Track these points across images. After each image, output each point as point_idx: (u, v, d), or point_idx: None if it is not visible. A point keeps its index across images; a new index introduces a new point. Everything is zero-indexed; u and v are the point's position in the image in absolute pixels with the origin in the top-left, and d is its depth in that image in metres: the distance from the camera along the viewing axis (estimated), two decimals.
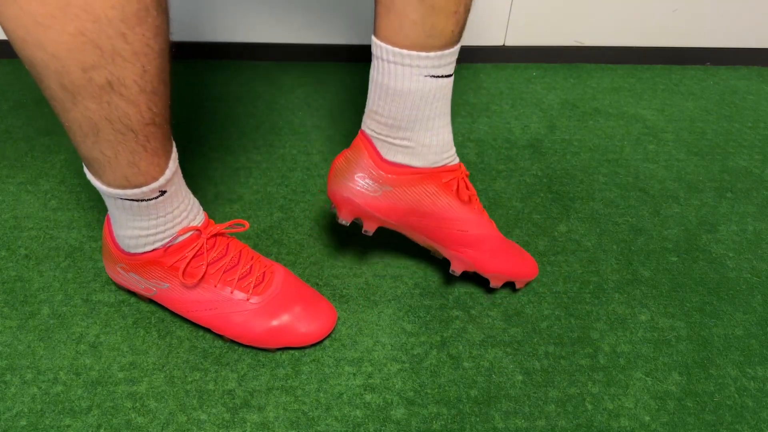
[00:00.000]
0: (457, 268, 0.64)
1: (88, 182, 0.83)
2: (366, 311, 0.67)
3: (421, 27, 0.54)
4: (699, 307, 0.69)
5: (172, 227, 0.59)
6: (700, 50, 1.15)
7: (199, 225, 0.60)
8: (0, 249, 0.73)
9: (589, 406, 0.59)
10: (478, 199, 0.65)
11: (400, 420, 0.57)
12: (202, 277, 0.60)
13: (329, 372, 0.61)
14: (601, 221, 0.80)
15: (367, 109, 0.60)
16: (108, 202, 0.58)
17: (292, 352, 0.62)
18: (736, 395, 0.60)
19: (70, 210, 0.79)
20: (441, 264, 0.73)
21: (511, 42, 1.13)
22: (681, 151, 0.94)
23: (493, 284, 0.67)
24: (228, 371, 0.61)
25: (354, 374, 0.61)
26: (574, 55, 1.15)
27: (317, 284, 0.70)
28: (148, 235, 0.58)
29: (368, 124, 0.60)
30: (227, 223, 0.62)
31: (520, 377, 0.61)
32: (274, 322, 0.61)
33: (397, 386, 0.60)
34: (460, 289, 0.70)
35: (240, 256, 0.63)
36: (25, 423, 0.56)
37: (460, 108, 1.02)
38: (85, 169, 0.55)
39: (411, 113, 0.58)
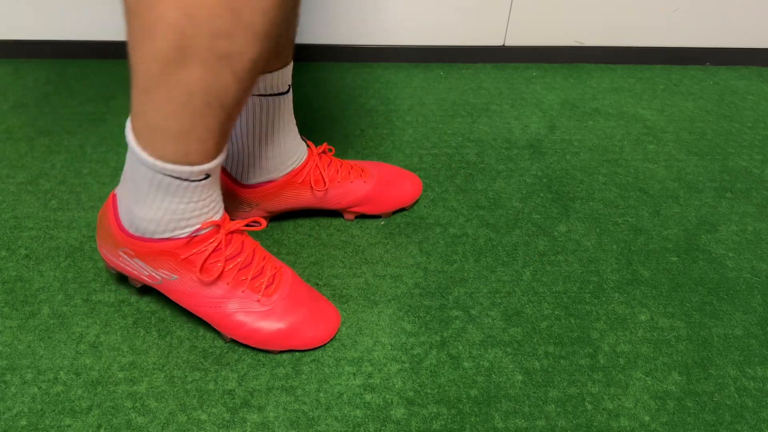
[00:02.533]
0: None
1: (88, 182, 0.83)
2: (366, 311, 0.67)
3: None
4: (699, 307, 0.69)
5: (199, 215, 0.56)
6: (700, 50, 1.15)
7: (219, 220, 0.59)
8: (0, 249, 0.73)
9: (589, 406, 0.59)
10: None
11: (400, 420, 0.57)
12: (219, 274, 0.59)
13: (329, 372, 0.61)
14: (601, 221, 0.80)
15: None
16: (141, 177, 0.53)
17: (292, 352, 0.63)
18: (736, 395, 0.60)
19: (70, 210, 0.79)
20: (441, 264, 0.73)
21: (511, 42, 1.13)
22: (681, 151, 0.94)
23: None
24: (228, 371, 0.61)
25: (354, 374, 0.61)
26: (574, 55, 1.15)
27: (317, 284, 0.70)
28: (173, 221, 0.55)
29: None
30: (245, 221, 0.61)
31: (520, 377, 0.61)
32: (282, 325, 0.61)
33: (397, 386, 0.60)
34: (460, 289, 0.70)
35: (253, 255, 0.61)
36: (25, 423, 0.56)
37: (460, 108, 1.02)
38: (132, 140, 0.51)
39: (252, 130, 0.63)
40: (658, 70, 1.15)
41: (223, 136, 0.52)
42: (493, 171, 0.88)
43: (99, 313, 0.66)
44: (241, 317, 0.60)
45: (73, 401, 0.58)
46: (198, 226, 0.57)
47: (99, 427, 0.56)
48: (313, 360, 0.62)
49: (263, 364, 0.61)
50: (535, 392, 0.60)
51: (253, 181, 0.70)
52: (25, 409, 0.57)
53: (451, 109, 1.01)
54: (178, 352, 0.62)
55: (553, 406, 0.59)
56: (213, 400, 0.58)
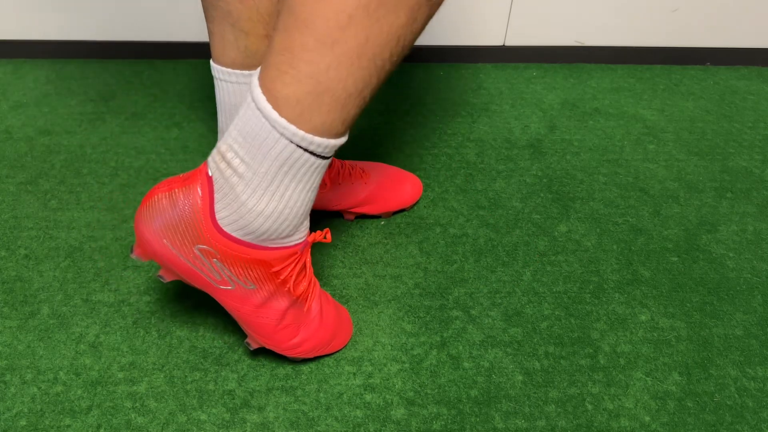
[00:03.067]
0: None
1: (88, 182, 0.83)
2: (366, 311, 0.67)
3: (237, 48, 0.62)
4: (699, 307, 0.69)
5: (306, 218, 0.52)
6: (700, 50, 1.15)
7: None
8: (0, 249, 0.73)
9: (589, 407, 0.59)
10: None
11: (400, 420, 0.57)
12: (307, 293, 0.56)
13: (329, 372, 0.61)
14: (601, 221, 0.80)
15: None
16: (272, 159, 0.46)
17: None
18: (736, 395, 0.60)
19: (69, 210, 0.78)
20: (441, 264, 0.73)
21: (511, 42, 1.13)
22: (681, 151, 0.94)
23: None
24: (228, 371, 0.61)
25: (354, 374, 0.61)
26: (574, 55, 1.15)
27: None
28: (293, 218, 0.50)
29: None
30: (321, 233, 0.56)
31: (520, 377, 0.61)
32: (321, 337, 0.60)
33: (397, 386, 0.60)
34: (460, 290, 0.70)
35: (309, 272, 0.58)
36: (25, 423, 0.56)
37: (460, 108, 1.02)
38: (273, 112, 0.44)
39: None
40: (658, 70, 1.15)
41: (371, 100, 0.47)
42: (493, 171, 0.88)
43: (99, 313, 0.66)
44: (290, 333, 0.57)
45: (73, 401, 0.58)
46: (304, 234, 0.53)
47: (99, 427, 0.56)
48: (313, 360, 0.62)
49: (263, 365, 0.61)
50: (535, 392, 0.60)
51: None
52: (25, 409, 0.57)
53: (451, 109, 1.01)
54: (178, 352, 0.62)
55: (553, 406, 0.59)
56: (213, 400, 0.58)
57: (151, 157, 0.88)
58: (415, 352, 0.63)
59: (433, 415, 0.58)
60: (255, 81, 0.45)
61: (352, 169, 0.75)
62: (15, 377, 0.60)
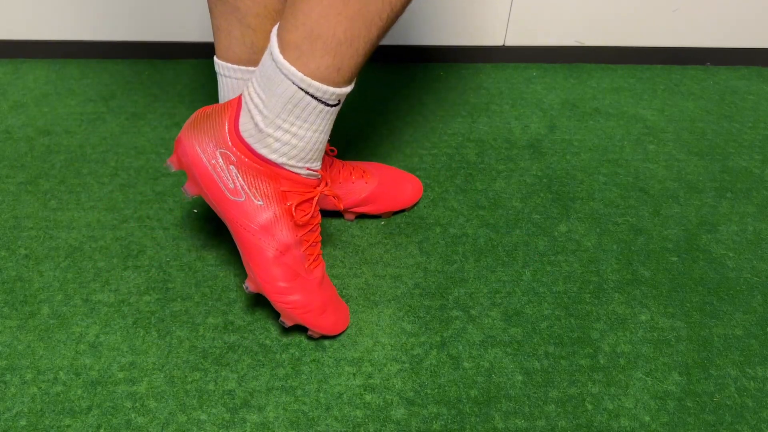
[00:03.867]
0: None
1: (88, 182, 0.83)
2: (366, 311, 0.67)
3: (243, 44, 0.62)
4: (699, 307, 0.69)
5: (317, 155, 0.57)
6: (700, 50, 1.15)
7: (325, 174, 0.59)
8: (0, 249, 0.73)
9: (589, 407, 0.59)
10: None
11: (400, 420, 0.57)
12: (299, 223, 0.59)
13: (329, 372, 0.61)
14: (601, 221, 0.80)
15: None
16: (278, 95, 0.53)
17: (292, 351, 0.62)
18: (736, 395, 0.60)
19: (69, 210, 0.78)
20: (441, 264, 0.73)
21: (511, 42, 1.13)
22: (681, 151, 0.94)
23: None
24: (228, 371, 0.61)
25: (354, 374, 0.61)
26: (574, 55, 1.15)
27: None
28: (299, 149, 0.55)
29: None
30: (335, 193, 0.62)
31: (520, 377, 0.61)
32: (312, 301, 0.60)
33: (397, 386, 0.60)
34: (460, 290, 0.70)
35: (318, 228, 0.62)
36: (25, 423, 0.56)
37: (460, 108, 1.02)
38: (278, 53, 0.51)
39: None
40: (659, 70, 1.15)
41: (367, 56, 0.53)
42: (493, 171, 0.88)
43: (99, 313, 0.66)
44: (285, 274, 0.59)
45: (73, 401, 0.58)
46: (316, 168, 0.58)
47: (99, 427, 0.56)
48: (313, 360, 0.62)
49: (263, 365, 0.61)
50: (535, 392, 0.60)
51: None
52: (25, 409, 0.57)
53: (451, 109, 1.01)
54: (178, 352, 0.62)
55: (553, 406, 0.59)
56: (213, 400, 0.58)
57: (151, 157, 0.88)
58: (415, 352, 0.63)
59: (433, 415, 0.58)
60: (274, 30, 0.53)
61: (353, 169, 0.75)
62: (15, 377, 0.60)
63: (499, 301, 0.69)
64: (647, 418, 0.58)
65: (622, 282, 0.72)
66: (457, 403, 0.59)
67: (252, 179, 0.57)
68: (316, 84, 0.51)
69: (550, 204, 0.83)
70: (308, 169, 0.58)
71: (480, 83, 1.09)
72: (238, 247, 0.61)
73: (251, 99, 0.55)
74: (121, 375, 0.60)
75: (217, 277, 0.70)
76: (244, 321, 0.65)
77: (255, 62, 0.63)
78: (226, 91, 0.66)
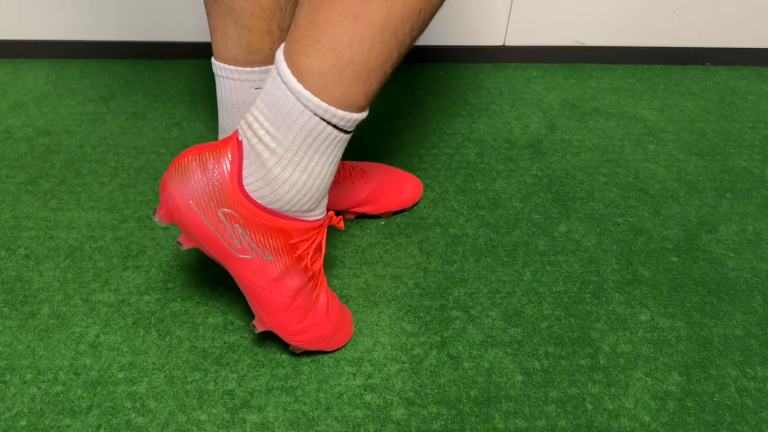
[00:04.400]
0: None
1: (88, 182, 0.83)
2: (366, 311, 0.67)
3: (239, 44, 0.61)
4: (699, 307, 0.69)
5: (327, 192, 0.53)
6: (700, 50, 1.15)
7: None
8: (0, 249, 0.73)
9: (589, 407, 0.59)
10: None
11: (400, 420, 0.57)
12: (319, 278, 0.57)
13: (329, 372, 0.61)
14: (601, 221, 0.80)
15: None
16: (296, 130, 0.47)
17: (292, 351, 0.62)
18: (736, 395, 0.60)
19: (69, 210, 0.78)
20: (441, 264, 0.73)
21: (511, 42, 1.13)
22: (681, 151, 0.94)
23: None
24: (228, 371, 0.61)
25: (354, 374, 0.61)
26: (574, 55, 1.15)
27: None
28: (315, 190, 0.51)
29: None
30: (337, 218, 0.58)
31: (520, 377, 0.61)
32: (325, 328, 0.60)
33: (397, 386, 0.60)
34: (460, 290, 0.70)
35: (320, 257, 0.59)
36: (24, 423, 0.56)
37: (460, 108, 1.02)
38: (297, 84, 0.46)
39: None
40: (658, 70, 1.15)
41: (391, 76, 0.49)
42: (493, 171, 0.88)
43: (98, 313, 0.66)
44: (298, 317, 0.57)
45: (73, 401, 0.58)
46: (323, 209, 0.54)
47: (98, 427, 0.56)
48: (313, 360, 0.62)
49: (263, 365, 0.61)
50: (535, 392, 0.60)
51: None
52: (25, 410, 0.57)
53: (451, 109, 1.01)
54: (178, 352, 0.62)
55: (553, 406, 0.59)
56: (213, 400, 0.58)
57: (151, 157, 0.88)
58: (415, 352, 0.63)
59: (433, 415, 0.58)
60: (280, 55, 0.47)
61: (353, 169, 0.75)
62: (15, 377, 0.60)
63: (499, 301, 0.69)
64: (647, 418, 0.58)
65: (622, 282, 0.72)
66: (457, 403, 0.59)
67: (260, 237, 0.53)
68: (341, 113, 0.47)
69: (550, 204, 0.83)
70: (318, 214, 0.54)
71: (480, 83, 1.09)
72: (243, 292, 0.58)
73: (257, 137, 0.49)
74: (121, 375, 0.60)
75: (217, 276, 0.70)
76: (244, 321, 0.65)
77: (252, 63, 0.63)
78: (224, 91, 0.66)
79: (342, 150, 0.51)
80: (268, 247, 0.53)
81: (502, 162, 0.90)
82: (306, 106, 0.46)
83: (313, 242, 0.55)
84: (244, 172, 0.50)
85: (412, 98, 1.04)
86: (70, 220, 0.77)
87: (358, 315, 0.67)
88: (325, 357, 0.62)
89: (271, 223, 0.52)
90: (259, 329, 0.58)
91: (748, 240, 0.78)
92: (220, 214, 0.52)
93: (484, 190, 0.85)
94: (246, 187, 0.51)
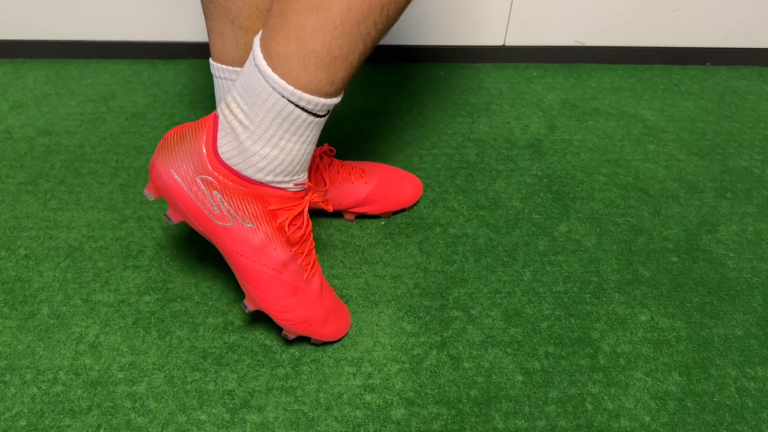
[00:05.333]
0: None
1: (88, 182, 0.83)
2: (366, 311, 0.67)
3: (237, 45, 0.61)
4: (699, 307, 0.69)
5: (303, 167, 0.55)
6: (700, 50, 1.15)
7: (311, 183, 0.56)
8: (0, 249, 0.73)
9: (589, 407, 0.59)
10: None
11: (400, 420, 0.57)
12: (293, 239, 0.57)
13: (329, 372, 0.61)
14: (602, 221, 0.80)
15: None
16: (266, 110, 0.50)
17: (292, 351, 0.62)
18: (736, 395, 0.60)
19: (69, 210, 0.78)
20: (441, 264, 0.73)
21: (511, 42, 1.13)
22: (681, 151, 0.94)
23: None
24: (228, 371, 0.61)
25: (354, 374, 0.61)
26: (574, 55, 1.15)
27: None
28: (287, 163, 0.54)
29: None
30: (321, 197, 0.60)
31: (520, 377, 0.61)
32: (315, 312, 0.60)
33: (397, 386, 0.60)
34: (460, 290, 0.70)
35: (310, 235, 0.60)
36: (24, 423, 0.56)
37: (460, 108, 1.02)
38: (267, 67, 0.49)
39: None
40: (659, 70, 1.15)
41: (359, 67, 0.52)
42: (493, 171, 0.88)
43: (98, 313, 0.66)
44: (285, 291, 0.58)
45: (73, 401, 0.58)
46: (303, 180, 0.56)
47: (98, 427, 0.56)
48: (313, 360, 0.62)
49: (263, 365, 0.61)
50: (535, 392, 0.60)
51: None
52: (25, 410, 0.57)
53: (451, 109, 1.01)
54: (178, 352, 0.62)
55: (553, 406, 0.59)
56: (213, 400, 0.58)
57: (151, 157, 0.88)
58: (415, 352, 0.63)
59: (433, 415, 0.58)
60: (256, 41, 0.50)
61: (352, 169, 0.75)
62: (15, 377, 0.60)
63: (499, 301, 0.69)
64: (647, 418, 0.58)
65: (622, 282, 0.72)
66: (457, 403, 0.59)
67: (238, 202, 0.55)
68: (308, 97, 0.50)
69: (550, 204, 0.83)
70: (296, 184, 0.56)
71: (480, 83, 1.09)
72: (232, 269, 0.59)
73: (233, 114, 0.52)
74: (121, 375, 0.60)
75: (217, 277, 0.70)
76: (244, 321, 0.65)
77: None
78: (222, 92, 0.66)
79: (316, 132, 0.54)
80: (247, 213, 0.55)
81: (502, 162, 0.90)
82: (274, 89, 0.49)
83: (293, 213, 0.57)
84: (219, 142, 0.53)
85: (412, 98, 1.04)
86: (70, 220, 0.77)
87: (358, 315, 0.67)
88: (325, 357, 0.62)
89: (247, 189, 0.54)
90: (250, 308, 0.59)
91: (748, 240, 0.78)
92: (198, 181, 0.54)
93: (484, 190, 0.85)
94: (221, 155, 0.53)
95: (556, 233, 0.78)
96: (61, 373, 0.60)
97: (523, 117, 1.00)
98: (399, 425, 0.57)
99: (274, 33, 0.48)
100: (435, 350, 0.63)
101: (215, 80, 0.66)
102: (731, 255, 0.76)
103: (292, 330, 0.60)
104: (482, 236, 0.77)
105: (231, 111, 0.52)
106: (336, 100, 0.52)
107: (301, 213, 0.58)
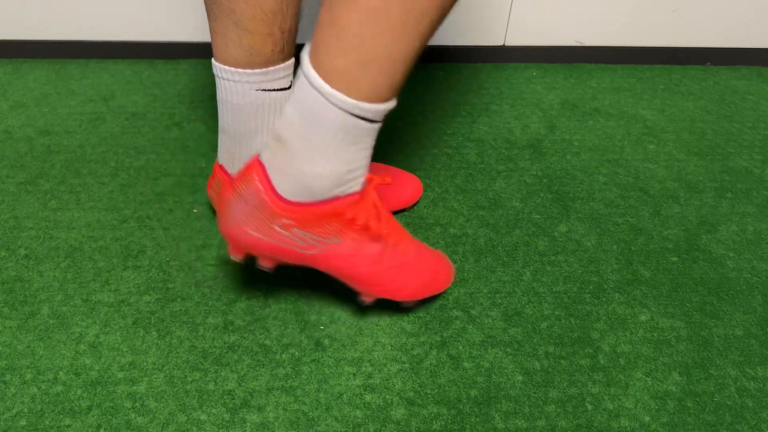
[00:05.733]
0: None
1: (88, 182, 0.83)
2: (366, 311, 0.67)
3: (240, 47, 0.60)
4: (699, 307, 0.69)
5: (364, 167, 0.54)
6: (700, 50, 1.15)
7: (368, 175, 0.56)
8: (0, 249, 0.73)
9: (589, 407, 0.59)
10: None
11: (400, 420, 0.57)
12: (396, 235, 0.59)
13: (329, 372, 0.61)
14: (602, 221, 0.80)
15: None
16: (326, 128, 0.49)
17: (292, 351, 0.62)
18: (736, 395, 0.60)
19: (69, 210, 0.78)
20: None
21: (511, 42, 1.13)
22: (681, 151, 0.94)
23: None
24: (228, 371, 0.61)
25: (354, 374, 0.61)
26: (574, 55, 1.15)
27: (317, 284, 0.70)
28: (348, 172, 0.53)
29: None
30: (380, 177, 0.59)
31: (520, 377, 0.61)
32: (425, 274, 0.62)
33: (397, 386, 0.60)
34: (460, 290, 0.70)
35: (387, 215, 0.61)
36: (24, 423, 0.56)
37: (460, 108, 1.02)
38: (325, 85, 0.47)
39: (253, 125, 0.61)
40: (659, 70, 1.15)
41: (410, 70, 0.51)
42: (493, 171, 0.88)
43: (98, 313, 0.66)
44: (391, 274, 0.60)
45: (73, 401, 0.58)
46: (363, 179, 0.55)
47: (98, 427, 0.56)
48: (313, 360, 0.62)
49: (263, 365, 0.61)
50: (535, 392, 0.60)
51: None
52: (25, 410, 0.57)
53: (451, 109, 1.01)
54: (178, 352, 0.62)
55: (553, 406, 0.59)
56: (213, 400, 0.58)
57: (151, 157, 0.88)
58: (415, 352, 0.63)
59: (433, 415, 0.58)
60: (305, 58, 0.49)
61: None
62: (15, 377, 0.60)
63: (499, 301, 0.69)
64: (647, 418, 0.58)
65: (622, 282, 0.72)
66: (457, 403, 0.59)
67: (318, 228, 0.55)
68: (368, 105, 0.48)
69: (550, 204, 0.83)
70: (357, 185, 0.55)
71: (480, 83, 1.09)
72: (334, 277, 0.61)
73: (285, 145, 0.51)
74: (121, 375, 0.60)
75: (217, 277, 0.70)
76: (244, 321, 0.65)
77: (252, 64, 0.63)
78: (224, 93, 0.66)
79: (373, 137, 0.52)
80: (330, 233, 0.56)
81: (502, 162, 0.90)
82: (335, 105, 0.48)
83: (367, 211, 0.56)
84: (276, 184, 0.53)
85: (412, 98, 1.04)
86: (70, 220, 0.77)
87: (358, 315, 0.67)
88: (325, 357, 0.62)
89: (321, 211, 0.54)
90: (369, 301, 0.62)
91: (748, 240, 0.78)
92: (275, 228, 0.55)
93: (484, 190, 0.85)
94: (285, 195, 0.53)
95: (556, 233, 0.78)
96: (61, 373, 0.60)
97: (523, 117, 1.00)
98: (399, 425, 0.57)
99: (328, 46, 0.46)
100: (435, 350, 0.63)
101: (217, 81, 0.66)
102: (731, 255, 0.76)
103: (414, 301, 0.63)
104: (482, 236, 0.77)
105: (282, 142, 0.51)
106: (393, 103, 0.51)
107: (374, 204, 0.57)
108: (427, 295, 0.63)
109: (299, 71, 0.49)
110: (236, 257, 0.58)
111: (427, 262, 0.63)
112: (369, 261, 0.58)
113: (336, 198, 0.54)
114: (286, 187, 0.53)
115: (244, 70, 0.63)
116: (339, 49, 0.46)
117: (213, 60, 0.65)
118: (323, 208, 0.54)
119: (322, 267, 0.59)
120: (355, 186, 0.55)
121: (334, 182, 0.53)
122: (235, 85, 0.64)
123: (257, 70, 0.62)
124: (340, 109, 0.48)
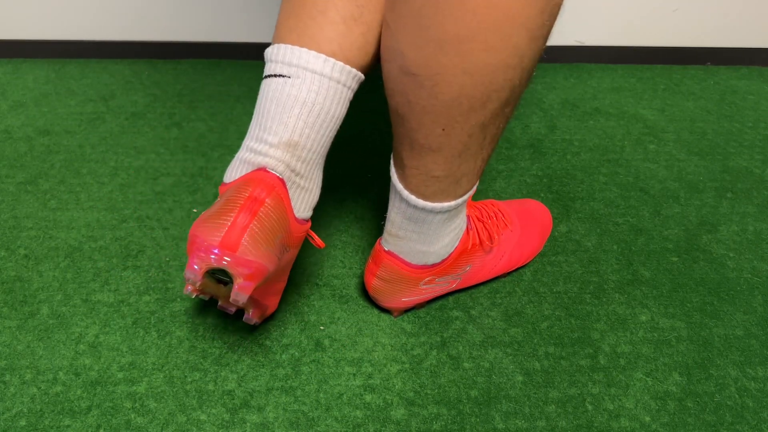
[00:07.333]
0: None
1: (88, 182, 0.82)
2: (366, 311, 0.67)
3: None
4: (699, 308, 0.69)
5: (465, 215, 0.62)
6: (700, 50, 1.15)
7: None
8: (0, 249, 0.73)
9: (590, 407, 0.59)
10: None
11: (400, 420, 0.57)
12: (490, 238, 0.66)
13: (329, 372, 0.61)
14: (602, 221, 0.80)
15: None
16: (435, 224, 0.57)
17: (292, 352, 0.62)
18: (737, 395, 0.60)
19: (69, 210, 0.78)
20: None
21: None
22: (681, 151, 0.94)
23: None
24: (228, 371, 0.61)
25: (354, 374, 0.61)
26: (574, 55, 1.15)
27: (317, 284, 0.70)
28: (460, 230, 0.61)
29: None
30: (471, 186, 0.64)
31: (520, 378, 0.61)
32: (534, 241, 0.71)
33: (397, 387, 0.60)
34: (460, 290, 0.70)
35: (482, 212, 0.68)
36: (24, 423, 0.56)
37: None
38: (428, 203, 0.55)
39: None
40: (659, 69, 1.15)
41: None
42: (493, 171, 0.88)
43: (98, 313, 0.66)
44: (519, 248, 0.70)
45: (73, 401, 0.58)
46: (466, 220, 0.62)
47: (98, 427, 0.56)
48: (313, 360, 0.62)
49: (263, 365, 0.61)
50: (535, 393, 0.60)
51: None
52: (25, 410, 0.57)
53: None
54: (178, 353, 0.62)
55: (553, 406, 0.59)
56: (212, 400, 0.58)
57: (151, 157, 0.88)
58: (415, 353, 0.63)
59: (433, 415, 0.58)
60: (400, 185, 0.55)
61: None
62: (15, 377, 0.59)
63: (499, 301, 0.69)
64: (647, 419, 0.58)
65: (622, 282, 0.72)
66: (457, 403, 0.59)
67: (455, 269, 0.64)
68: (463, 198, 0.56)
69: (550, 204, 0.82)
70: (466, 222, 0.63)
71: None
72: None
73: (398, 237, 0.59)
74: (120, 375, 0.60)
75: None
76: (243, 321, 0.65)
77: (348, 60, 0.49)
78: (303, 92, 0.48)
79: (465, 208, 0.61)
80: (462, 266, 0.64)
81: (502, 162, 0.90)
82: (438, 212, 0.56)
83: (481, 226, 0.65)
84: (407, 260, 0.61)
85: None
86: (69, 220, 0.77)
87: (358, 315, 0.67)
88: (325, 357, 0.62)
89: (451, 261, 0.62)
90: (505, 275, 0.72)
91: (749, 240, 0.78)
92: (423, 287, 0.64)
93: (484, 190, 0.84)
94: (416, 264, 0.61)
95: (556, 233, 0.78)
96: (60, 373, 0.60)
97: (523, 117, 1.00)
98: (399, 425, 0.57)
99: (420, 181, 0.53)
100: (435, 350, 0.63)
101: (292, 78, 0.47)
102: (731, 255, 0.76)
103: (527, 260, 0.72)
104: None
105: (400, 238, 0.59)
106: (478, 181, 0.57)
107: (479, 220, 0.66)
108: (547, 237, 0.74)
109: (393, 187, 0.57)
110: (398, 316, 0.67)
111: (525, 223, 0.71)
112: (495, 262, 0.67)
113: (458, 242, 0.62)
114: (416, 260, 0.61)
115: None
116: (432, 181, 0.53)
117: (285, 46, 0.49)
118: (451, 258, 0.62)
119: (474, 283, 0.68)
120: (464, 226, 0.62)
121: (452, 243, 0.61)
122: (328, 83, 0.51)
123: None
124: (440, 213, 0.56)
